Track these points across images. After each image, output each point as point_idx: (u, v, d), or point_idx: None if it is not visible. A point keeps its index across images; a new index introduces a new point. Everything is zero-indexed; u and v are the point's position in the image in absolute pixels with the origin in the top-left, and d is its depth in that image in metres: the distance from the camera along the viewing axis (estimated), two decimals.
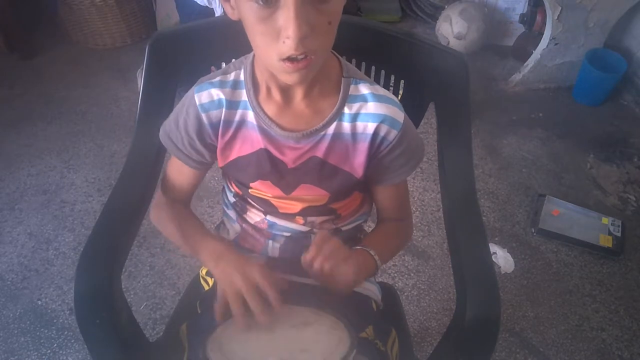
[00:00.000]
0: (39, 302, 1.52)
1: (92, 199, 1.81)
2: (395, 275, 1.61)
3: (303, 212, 0.81)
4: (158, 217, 0.83)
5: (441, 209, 1.57)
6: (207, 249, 0.75)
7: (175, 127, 0.75)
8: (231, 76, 0.73)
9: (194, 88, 0.73)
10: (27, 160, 1.96)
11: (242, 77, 0.73)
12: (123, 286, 0.82)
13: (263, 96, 0.72)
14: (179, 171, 0.82)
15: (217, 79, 0.73)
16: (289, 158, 0.74)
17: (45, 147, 2.01)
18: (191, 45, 0.91)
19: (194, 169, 0.80)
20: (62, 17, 2.46)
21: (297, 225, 0.83)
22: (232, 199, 0.87)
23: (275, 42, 0.58)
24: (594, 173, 1.99)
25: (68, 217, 1.75)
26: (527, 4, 2.48)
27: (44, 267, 1.61)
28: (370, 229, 0.91)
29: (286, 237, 0.84)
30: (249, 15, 0.58)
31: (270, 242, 0.85)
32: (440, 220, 1.77)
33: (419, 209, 1.82)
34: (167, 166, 0.84)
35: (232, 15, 0.63)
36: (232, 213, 0.88)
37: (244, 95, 0.72)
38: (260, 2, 0.55)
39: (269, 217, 0.83)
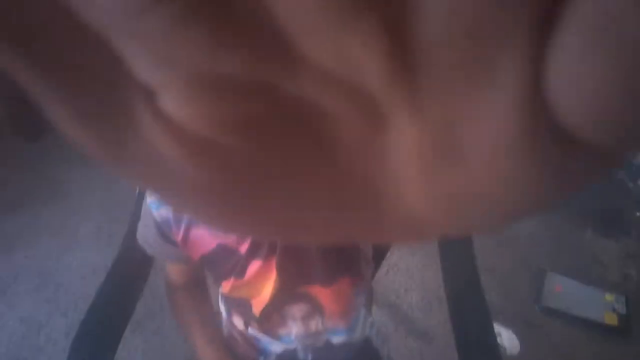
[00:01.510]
0: None
1: (86, 281, 1.78)
2: (398, 358, 1.55)
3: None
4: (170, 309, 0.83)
5: (442, 288, 1.54)
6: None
7: (144, 227, 0.70)
8: None
9: None
10: (24, 242, 1.94)
11: None
12: None
13: None
14: (170, 268, 0.79)
15: None
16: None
17: (44, 228, 2.00)
18: None
19: (183, 264, 0.74)
20: None
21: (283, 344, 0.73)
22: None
23: None
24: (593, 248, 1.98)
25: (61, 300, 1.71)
26: None
27: (33, 356, 1.54)
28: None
29: (277, 354, 0.75)
30: None
31: (262, 358, 0.77)
32: (442, 299, 1.73)
33: (419, 287, 1.78)
34: None
35: None
36: (221, 307, 0.79)
37: None
38: None
39: (250, 330, 0.73)
